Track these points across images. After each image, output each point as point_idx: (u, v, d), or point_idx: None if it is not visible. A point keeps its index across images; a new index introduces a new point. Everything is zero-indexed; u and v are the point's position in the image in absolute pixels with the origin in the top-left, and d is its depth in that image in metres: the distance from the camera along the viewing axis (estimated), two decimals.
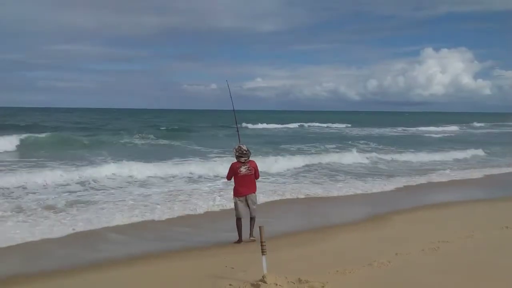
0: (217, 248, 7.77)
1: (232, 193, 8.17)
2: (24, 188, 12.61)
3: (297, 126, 60.35)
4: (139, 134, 34.00)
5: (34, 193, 12.05)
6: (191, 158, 20.38)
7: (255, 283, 5.45)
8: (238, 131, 8.40)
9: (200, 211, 10.68)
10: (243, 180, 7.85)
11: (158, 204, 11.09)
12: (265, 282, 5.38)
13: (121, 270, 6.66)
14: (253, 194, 7.99)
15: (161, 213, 10.22)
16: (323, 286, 5.42)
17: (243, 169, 7.84)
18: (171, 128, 45.77)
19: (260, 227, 5.80)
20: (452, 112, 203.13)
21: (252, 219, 8.02)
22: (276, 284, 5.36)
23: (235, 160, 7.99)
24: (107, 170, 15.22)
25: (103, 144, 26.82)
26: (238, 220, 7.95)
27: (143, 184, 14.18)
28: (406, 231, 8.82)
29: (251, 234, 7.95)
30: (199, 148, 26.63)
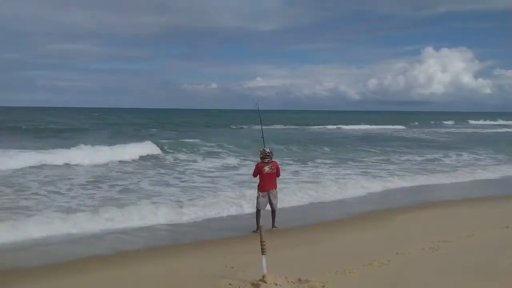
0: (217, 248, 7.77)
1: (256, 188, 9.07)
2: None
3: (369, 128, 58.01)
4: None
5: None
6: None
7: (255, 282, 5.45)
8: (263, 137, 9.43)
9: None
10: (266, 178, 8.86)
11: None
12: (265, 282, 5.38)
13: (121, 270, 6.66)
14: (274, 189, 8.98)
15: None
16: (323, 286, 5.42)
17: (266, 168, 8.83)
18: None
19: (259, 226, 5.80)
20: (456, 112, 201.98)
21: (273, 212, 9.01)
22: (276, 284, 5.36)
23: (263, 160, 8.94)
24: None
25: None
26: (258, 211, 8.92)
27: None
28: (406, 231, 8.82)
29: (273, 225, 8.98)
30: None
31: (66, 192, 12.44)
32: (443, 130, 58.09)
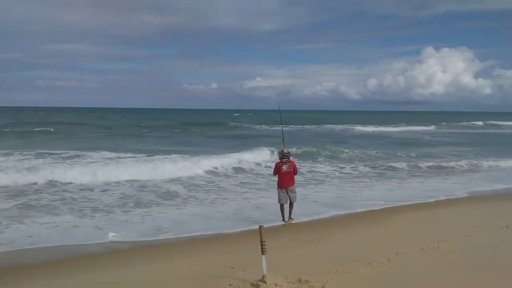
0: (217, 247, 7.77)
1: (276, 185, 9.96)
2: None
3: (409, 129, 55.40)
4: None
5: None
6: None
7: (255, 283, 5.44)
8: (283, 140, 10.12)
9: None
10: (284, 176, 9.75)
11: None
12: (265, 282, 5.38)
13: (122, 270, 6.67)
14: (292, 186, 9.81)
15: None
16: (323, 286, 5.43)
17: (284, 167, 9.73)
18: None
19: (260, 226, 5.79)
20: (457, 112, 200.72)
21: (291, 204, 9.77)
22: (276, 284, 5.36)
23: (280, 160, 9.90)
24: None
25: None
26: (281, 205, 9.76)
27: None
28: (406, 231, 8.82)
29: (289, 217, 9.75)
30: None
31: None
32: (486, 131, 55.78)
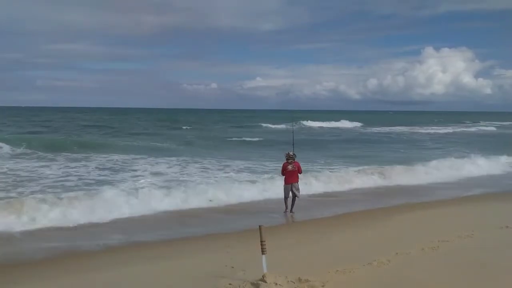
0: (217, 247, 7.78)
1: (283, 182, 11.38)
2: None
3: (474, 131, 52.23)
4: None
5: None
6: None
7: (255, 282, 5.44)
8: (293, 144, 11.71)
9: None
10: (289, 174, 11.24)
11: None
12: (265, 282, 5.38)
13: (121, 270, 6.68)
14: (296, 183, 11.22)
15: None
16: (323, 286, 5.43)
17: (289, 167, 11.23)
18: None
19: (259, 226, 5.80)
20: (456, 112, 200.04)
21: (293, 199, 11.17)
22: (276, 284, 5.36)
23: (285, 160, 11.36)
24: None
25: None
26: (285, 198, 11.25)
27: None
28: (406, 231, 8.83)
29: (291, 210, 11.13)
30: None
31: None
32: None
